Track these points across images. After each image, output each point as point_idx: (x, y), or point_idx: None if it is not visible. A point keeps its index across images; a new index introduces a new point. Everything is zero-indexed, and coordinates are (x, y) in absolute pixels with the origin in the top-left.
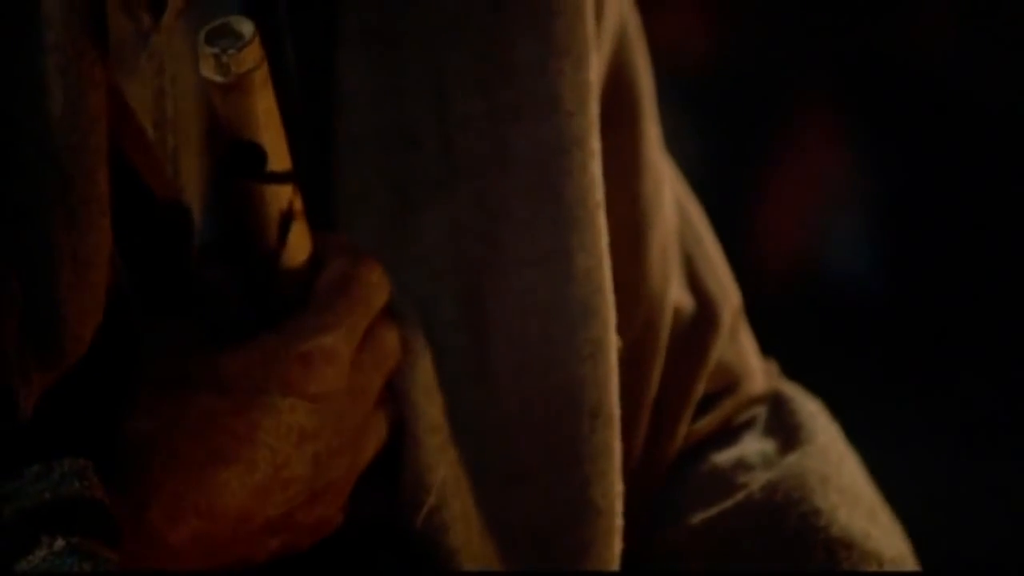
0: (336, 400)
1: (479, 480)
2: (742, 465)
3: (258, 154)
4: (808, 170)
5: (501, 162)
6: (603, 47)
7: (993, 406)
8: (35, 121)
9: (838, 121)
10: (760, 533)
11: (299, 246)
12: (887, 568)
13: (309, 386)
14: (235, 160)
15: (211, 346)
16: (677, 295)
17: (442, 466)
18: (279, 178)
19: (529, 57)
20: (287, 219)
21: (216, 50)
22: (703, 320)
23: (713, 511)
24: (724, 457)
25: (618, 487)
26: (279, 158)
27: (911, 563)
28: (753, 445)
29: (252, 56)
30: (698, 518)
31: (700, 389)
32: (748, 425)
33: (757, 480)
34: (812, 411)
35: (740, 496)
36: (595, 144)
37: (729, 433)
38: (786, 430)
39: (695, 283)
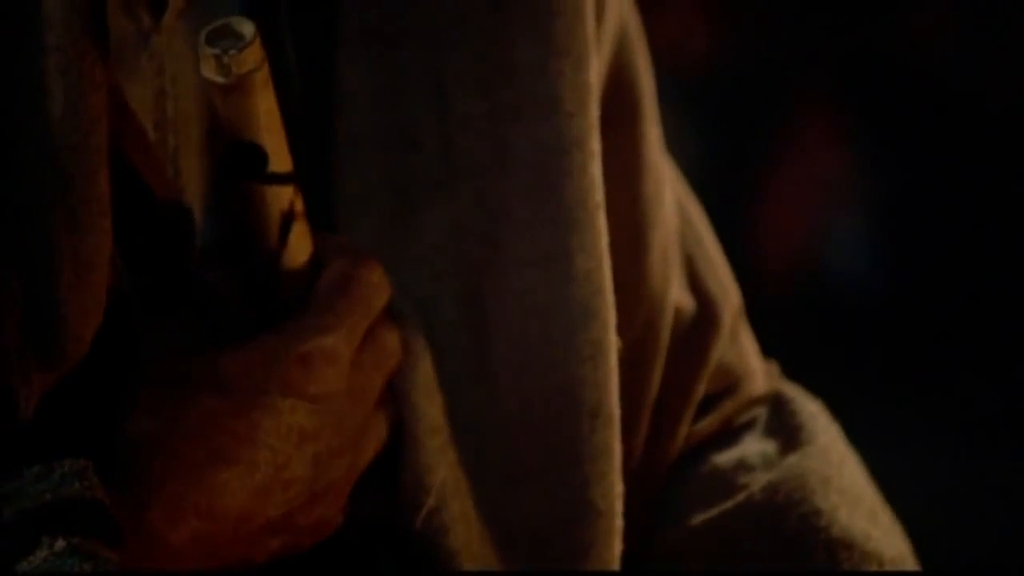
0: (336, 401)
1: (479, 481)
2: (743, 466)
3: (259, 155)
4: (808, 170)
5: (501, 163)
6: (603, 48)
7: (993, 406)
8: (36, 121)
9: (838, 121)
10: (761, 534)
11: (300, 247)
12: (887, 568)
13: (309, 387)
14: (236, 161)
15: (211, 347)
16: (678, 296)
17: (442, 467)
18: (280, 179)
19: (529, 58)
20: (288, 220)
21: (217, 51)
22: (704, 321)
23: (714, 512)
24: (725, 458)
25: (618, 488)
26: (280, 159)
27: (911, 564)
28: (754, 446)
29: (253, 57)
30: (699, 519)
31: (701, 390)
32: (749, 426)
33: (758, 481)
34: (813, 412)
35: (741, 497)
36: (595, 145)
37: (730, 434)
38: (787, 431)
39: (696, 284)
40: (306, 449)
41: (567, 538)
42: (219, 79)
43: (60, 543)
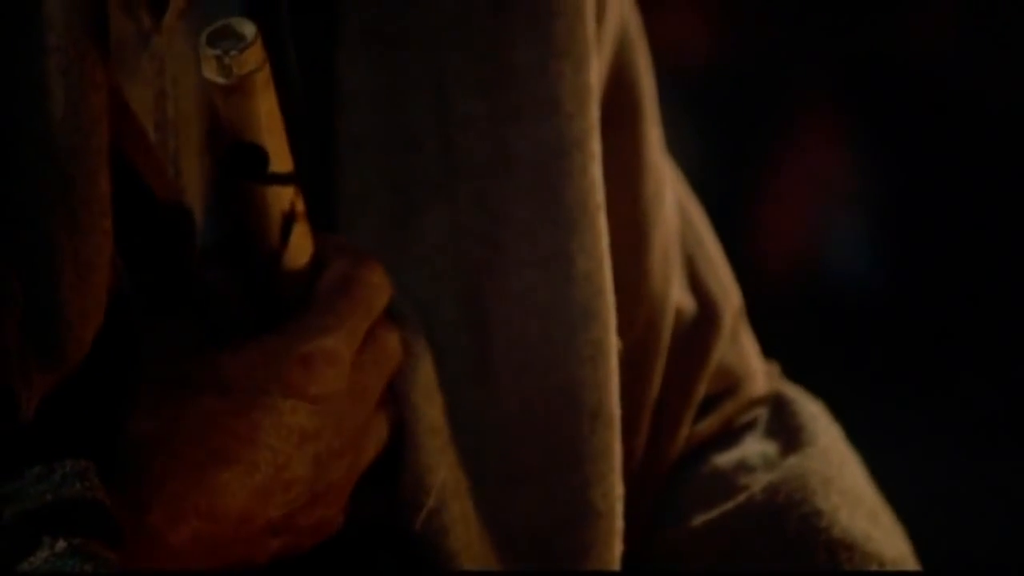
0: (337, 401)
1: (479, 481)
2: (743, 467)
3: (260, 155)
4: (808, 171)
5: (502, 164)
6: (604, 48)
7: (994, 407)
8: (36, 122)
9: (838, 122)
10: (762, 535)
11: (301, 247)
12: (888, 569)
13: (310, 387)
14: (237, 161)
15: (212, 347)
16: (678, 296)
17: (442, 468)
18: (281, 179)
19: (529, 59)
20: (289, 220)
21: (218, 52)
22: (704, 321)
23: (714, 513)
24: (725, 459)
25: (618, 489)
26: (281, 159)
27: (912, 564)
28: (754, 447)
29: (254, 58)
30: (699, 520)
31: (701, 390)
32: (749, 427)
33: (758, 482)
34: (813, 413)
35: (741, 498)
36: (595, 146)
37: (730, 435)
38: (788, 432)
39: (696, 284)
40: (307, 450)
41: (567, 539)
42: (220, 80)
43: (61, 544)
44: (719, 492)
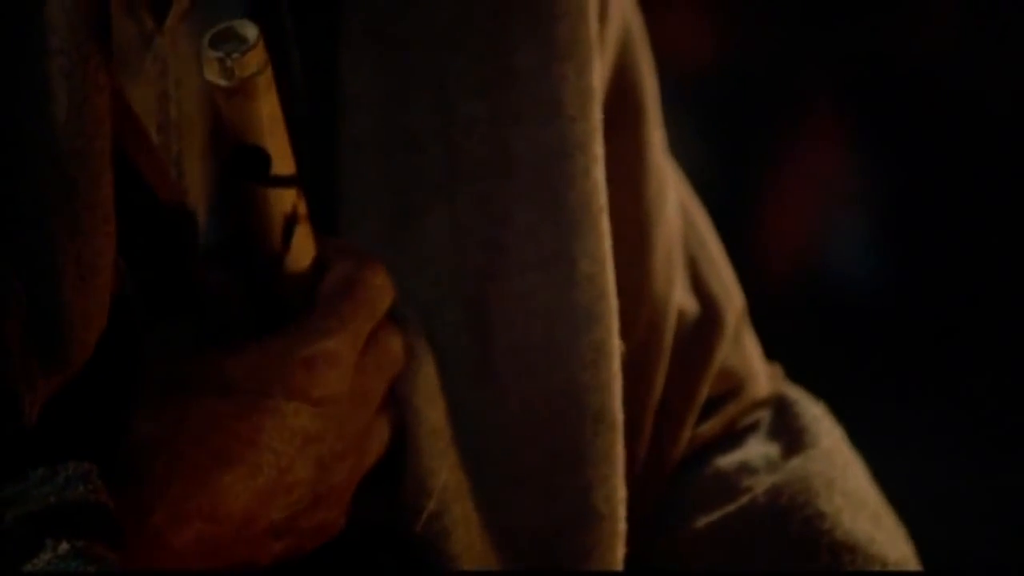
0: (339, 404)
1: (481, 484)
2: (746, 469)
3: (262, 158)
4: (811, 172)
5: (503, 166)
6: (607, 50)
7: (997, 408)
8: (39, 125)
9: (841, 123)
10: (764, 537)
11: (303, 249)
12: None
13: (313, 390)
14: (239, 163)
15: (214, 349)
16: (681, 298)
17: (443, 471)
18: (283, 182)
19: (531, 61)
20: (291, 222)
21: (220, 54)
22: (707, 323)
23: (717, 515)
24: (728, 461)
25: (621, 492)
26: (283, 161)
27: (915, 567)
28: (757, 449)
29: (256, 60)
30: (702, 522)
31: (704, 392)
32: (752, 428)
33: (761, 484)
34: (816, 414)
35: (744, 500)
36: (598, 149)
37: (733, 436)
38: (790, 433)
39: (699, 286)
40: (309, 452)
41: (569, 542)
42: (222, 82)
43: (64, 546)
44: (722, 494)
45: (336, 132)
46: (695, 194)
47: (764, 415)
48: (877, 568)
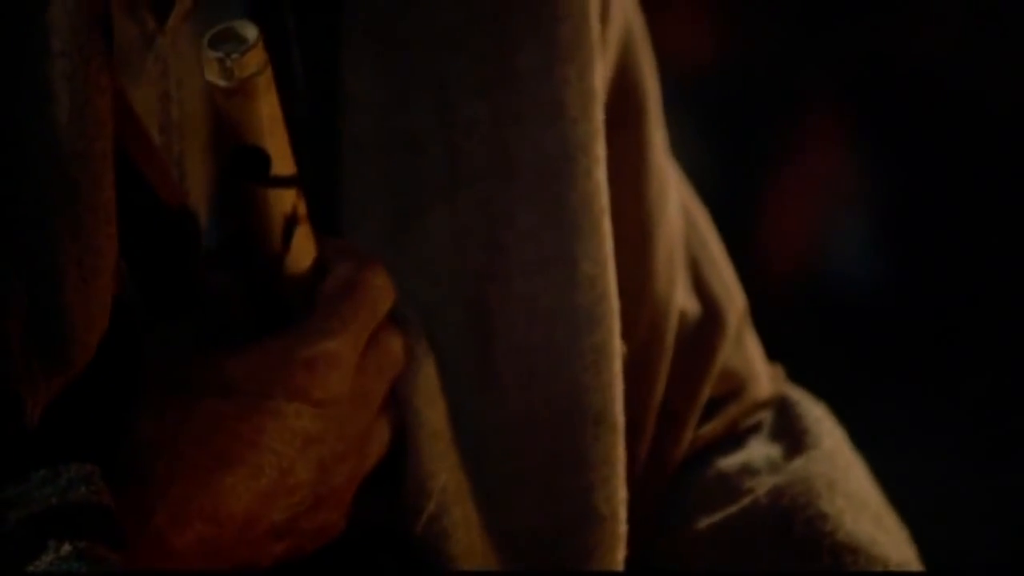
0: (340, 405)
1: (481, 485)
2: (748, 470)
3: (262, 158)
4: (812, 173)
5: (505, 168)
6: (608, 51)
7: (999, 410)
8: (41, 127)
9: (842, 124)
10: (766, 538)
11: (303, 250)
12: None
13: (314, 391)
14: (239, 164)
15: (216, 350)
16: (683, 299)
17: (443, 472)
18: (283, 182)
19: (533, 62)
20: (291, 223)
21: (220, 54)
22: (709, 324)
23: (719, 516)
24: (730, 462)
25: (621, 493)
26: (283, 162)
27: (917, 568)
28: (759, 450)
29: (256, 60)
30: (704, 523)
31: (706, 393)
32: (754, 430)
33: (763, 485)
34: (818, 415)
35: (746, 501)
36: (599, 150)
37: (735, 438)
38: (792, 434)
39: (700, 287)
40: (310, 453)
41: (570, 543)
42: (222, 82)
43: (66, 547)
44: (723, 495)
45: (337, 132)
46: (696, 194)
47: (766, 416)
48: (879, 569)
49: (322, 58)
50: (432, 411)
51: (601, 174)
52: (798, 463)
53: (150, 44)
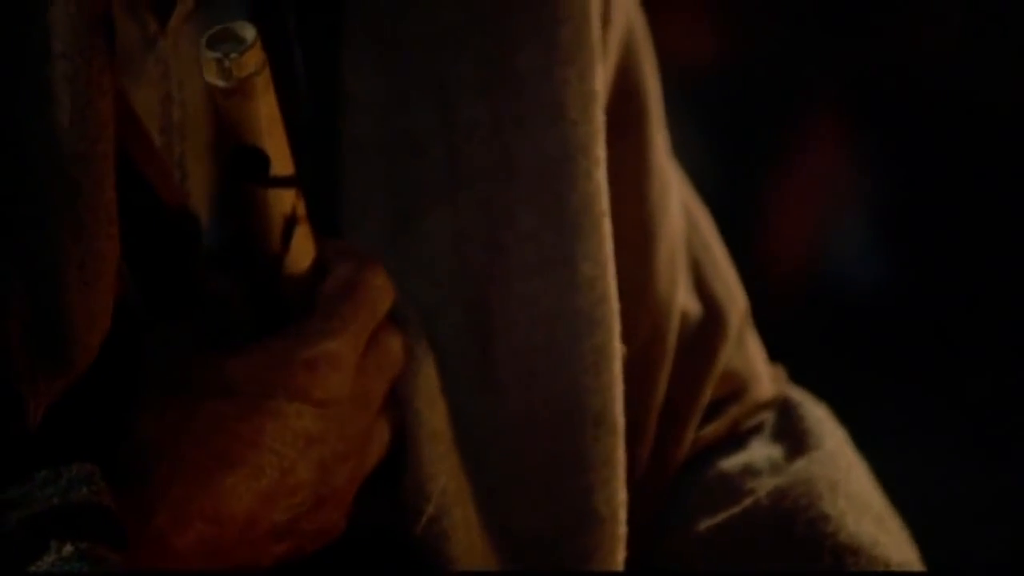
0: (341, 405)
1: (481, 487)
2: (750, 471)
3: (261, 158)
4: (814, 175)
5: (505, 169)
6: (610, 53)
7: (999, 410)
8: (43, 129)
9: (843, 126)
10: (768, 539)
11: (303, 251)
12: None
13: (315, 391)
14: (238, 164)
15: (216, 351)
16: (684, 300)
17: (443, 474)
18: (282, 182)
19: (533, 64)
20: (290, 224)
21: (218, 55)
22: (710, 325)
23: (720, 517)
24: (731, 463)
25: (622, 495)
26: (282, 162)
27: (918, 569)
28: (761, 451)
29: (254, 60)
30: (705, 524)
31: (708, 394)
32: (756, 431)
33: (765, 486)
34: (820, 416)
35: (748, 502)
36: (600, 152)
37: (736, 439)
38: (794, 436)
39: (702, 288)
40: (311, 454)
41: (570, 545)
42: (220, 83)
43: (68, 547)
44: (725, 496)
45: (337, 133)
46: (698, 196)
47: (768, 417)
48: (880, 570)
49: (323, 58)
50: (432, 412)
51: (601, 176)
52: (800, 464)
53: (151, 45)
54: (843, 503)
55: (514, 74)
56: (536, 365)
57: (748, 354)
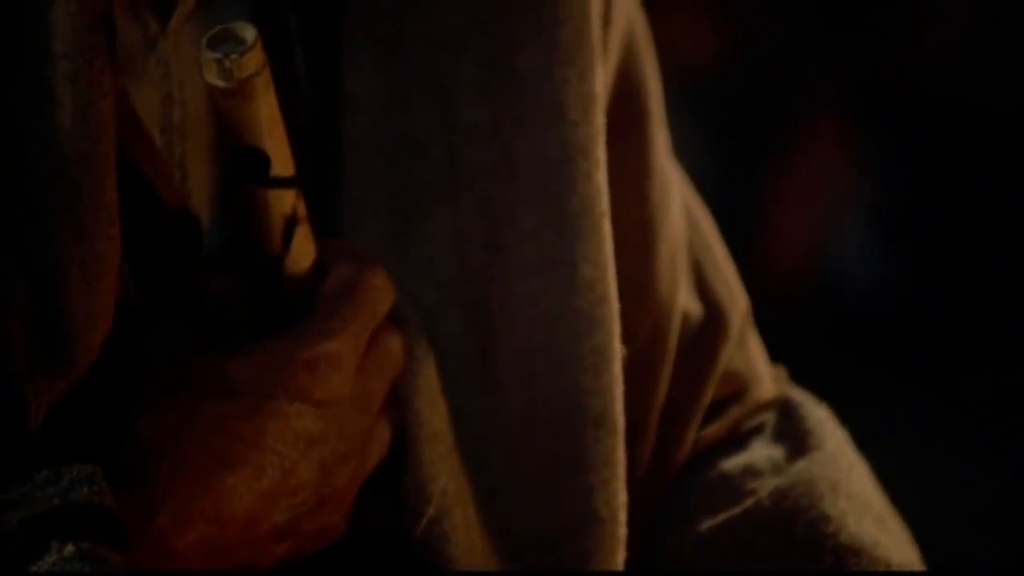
0: (342, 406)
1: (481, 487)
2: (751, 471)
3: (261, 159)
4: (815, 175)
5: (505, 170)
6: (611, 53)
7: (1001, 412)
8: (44, 130)
9: (844, 126)
10: (769, 539)
11: (303, 251)
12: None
13: (315, 391)
14: (238, 165)
15: (217, 351)
16: (685, 301)
17: (443, 475)
18: (282, 183)
19: (534, 64)
20: (291, 224)
21: (218, 55)
22: (711, 325)
23: (721, 518)
24: (733, 463)
25: (622, 496)
26: (282, 163)
27: (919, 569)
28: (762, 451)
29: (254, 61)
30: (706, 525)
31: (709, 395)
32: (757, 431)
33: (766, 486)
34: (821, 417)
35: (749, 503)
36: (600, 153)
37: (737, 439)
38: (795, 436)
39: (703, 288)
40: (313, 454)
41: (570, 546)
42: (221, 83)
43: (69, 548)
44: (726, 497)
45: (337, 133)
46: (699, 197)
47: (768, 418)
48: (882, 570)
49: (323, 59)
50: (432, 412)
51: (601, 177)
52: (801, 465)
53: (152, 46)
54: (844, 503)
55: (514, 74)
56: (536, 366)
57: (749, 355)
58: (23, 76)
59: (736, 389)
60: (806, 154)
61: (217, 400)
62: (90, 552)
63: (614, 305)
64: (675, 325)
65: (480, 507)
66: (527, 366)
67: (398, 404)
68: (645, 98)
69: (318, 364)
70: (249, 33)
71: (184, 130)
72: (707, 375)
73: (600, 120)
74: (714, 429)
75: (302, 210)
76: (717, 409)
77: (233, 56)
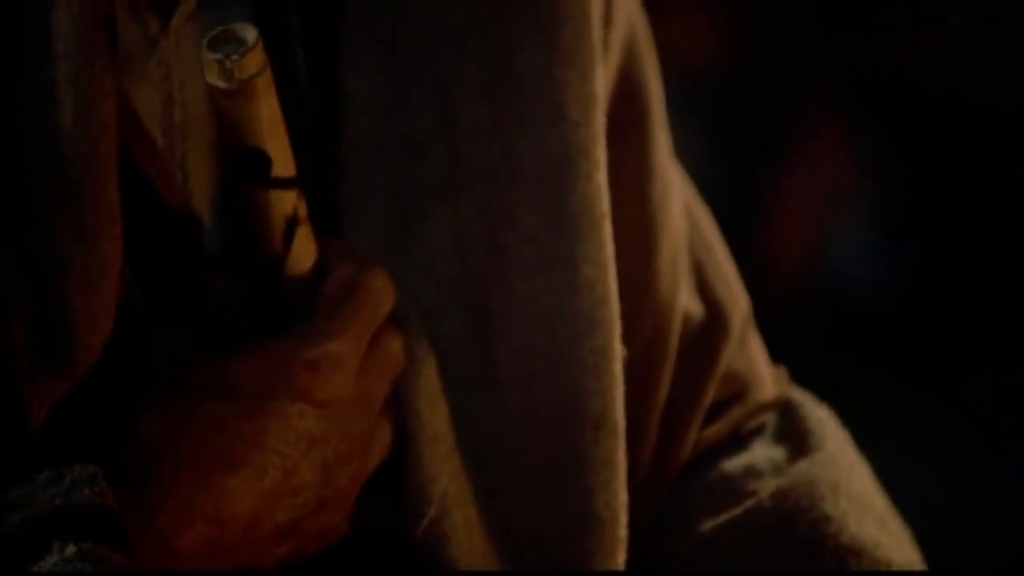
0: (343, 406)
1: (482, 488)
2: (752, 472)
3: (262, 160)
4: (816, 176)
5: (506, 170)
6: (611, 54)
7: (1002, 413)
8: (45, 130)
9: (845, 127)
10: (770, 540)
11: (304, 252)
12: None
13: (317, 392)
14: (239, 165)
15: (218, 352)
16: (686, 301)
17: (444, 476)
18: (283, 184)
19: (534, 65)
20: (292, 225)
21: (219, 56)
22: (712, 326)
23: (722, 518)
24: (733, 464)
25: (622, 497)
26: (283, 163)
27: (920, 570)
28: (763, 452)
29: (255, 61)
30: (707, 525)
31: (709, 396)
32: (757, 432)
33: (767, 487)
34: (821, 418)
35: (750, 503)
36: (600, 154)
37: (738, 440)
38: (796, 437)
39: (704, 289)
40: (314, 455)
41: (570, 547)
42: (221, 84)
43: (70, 548)
44: (727, 498)
45: (338, 134)
46: (700, 197)
47: (769, 418)
48: (883, 571)
49: (324, 59)
50: (433, 413)
51: (602, 178)
52: (802, 465)
53: (153, 46)
54: (845, 504)
55: (515, 75)
56: (537, 366)
57: (750, 355)
58: (24, 77)
59: (737, 390)
60: (806, 154)
61: (218, 400)
62: (91, 552)
63: (615, 306)
64: (676, 326)
65: (481, 508)
66: (527, 367)
67: (399, 405)
68: (646, 98)
69: (319, 364)
70: (250, 34)
71: (185, 131)
72: (708, 376)
73: (600, 120)
74: (715, 430)
75: (303, 211)
76: (718, 410)
77: (234, 57)
